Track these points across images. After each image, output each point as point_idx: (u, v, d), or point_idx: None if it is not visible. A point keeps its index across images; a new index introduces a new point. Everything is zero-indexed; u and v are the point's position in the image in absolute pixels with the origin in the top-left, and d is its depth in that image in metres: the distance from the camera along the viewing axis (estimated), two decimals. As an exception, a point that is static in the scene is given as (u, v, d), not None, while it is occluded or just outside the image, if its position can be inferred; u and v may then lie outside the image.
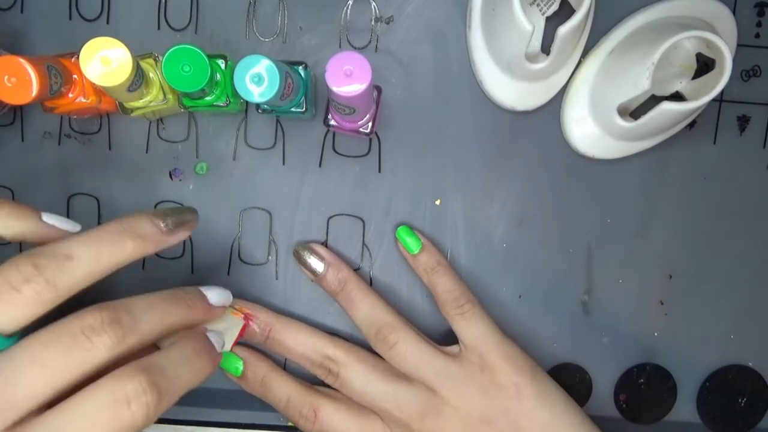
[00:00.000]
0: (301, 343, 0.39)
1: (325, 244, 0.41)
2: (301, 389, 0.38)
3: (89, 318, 0.26)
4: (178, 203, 0.41)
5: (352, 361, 0.38)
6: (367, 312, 0.38)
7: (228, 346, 0.38)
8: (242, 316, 0.38)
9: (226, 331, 0.36)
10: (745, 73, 0.41)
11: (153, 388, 0.26)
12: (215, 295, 0.34)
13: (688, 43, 0.38)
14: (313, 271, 0.40)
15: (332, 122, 0.37)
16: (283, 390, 0.38)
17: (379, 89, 0.37)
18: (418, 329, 0.39)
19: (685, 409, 0.43)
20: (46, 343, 0.26)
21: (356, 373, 0.38)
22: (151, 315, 0.29)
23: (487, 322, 0.38)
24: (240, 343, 0.40)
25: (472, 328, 0.38)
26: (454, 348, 0.39)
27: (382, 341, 0.38)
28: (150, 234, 0.30)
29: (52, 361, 0.25)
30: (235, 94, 0.34)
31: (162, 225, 0.30)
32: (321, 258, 0.40)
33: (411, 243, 0.39)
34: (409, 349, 0.37)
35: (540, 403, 0.37)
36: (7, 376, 0.25)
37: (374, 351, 0.39)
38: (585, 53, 0.40)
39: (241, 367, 0.39)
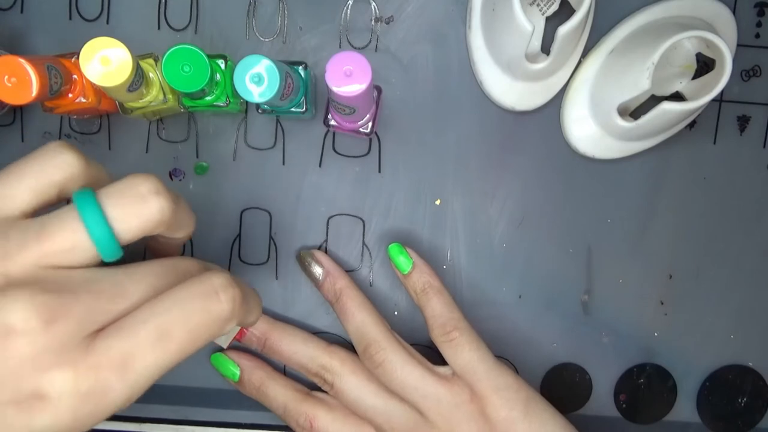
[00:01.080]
0: (297, 352, 0.39)
1: (325, 244, 0.41)
2: (297, 397, 0.38)
3: (219, 278, 0.27)
4: (178, 203, 0.41)
5: (346, 373, 0.38)
6: (357, 327, 0.38)
7: (225, 345, 0.39)
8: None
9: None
10: (745, 73, 0.41)
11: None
12: None
13: (688, 43, 0.38)
14: (313, 278, 0.40)
15: (332, 122, 0.37)
16: (280, 398, 0.39)
17: (379, 89, 0.37)
18: (410, 345, 0.38)
19: (685, 409, 0.43)
20: (189, 297, 0.26)
21: (350, 385, 0.37)
22: (250, 299, 0.30)
23: (476, 349, 0.37)
24: (238, 347, 0.40)
25: (458, 356, 0.36)
26: (447, 369, 0.37)
27: (369, 359, 0.37)
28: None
29: (192, 314, 0.26)
30: (235, 94, 0.34)
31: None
32: (321, 266, 0.40)
33: (402, 262, 0.38)
34: (396, 370, 0.36)
35: None
36: (160, 324, 0.25)
37: None
38: (585, 53, 0.40)
39: (238, 373, 0.39)
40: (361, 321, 0.38)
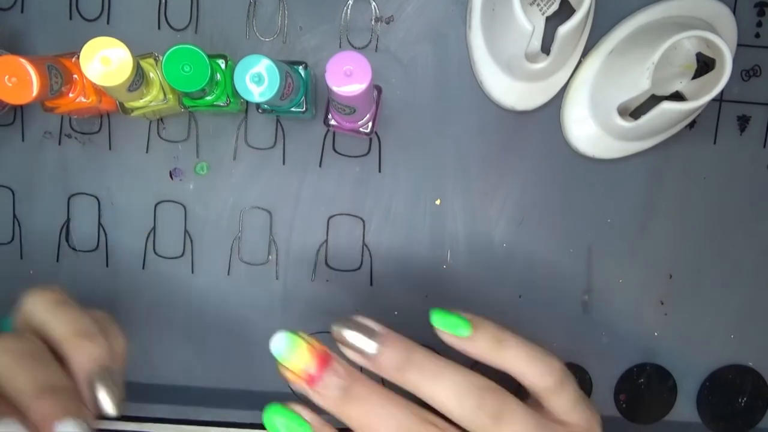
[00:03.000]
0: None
1: (325, 244, 0.41)
2: None
3: None
4: (179, 203, 0.41)
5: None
6: (457, 380, 0.29)
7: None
8: None
9: None
10: (745, 73, 0.41)
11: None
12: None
13: (688, 43, 0.38)
14: (361, 352, 0.29)
15: (332, 122, 0.37)
16: None
17: (379, 89, 0.37)
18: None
19: (685, 409, 0.43)
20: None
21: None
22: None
23: (579, 391, 0.32)
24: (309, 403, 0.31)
25: (577, 407, 0.31)
26: (560, 412, 0.32)
27: (490, 413, 0.29)
28: None
29: None
30: (236, 94, 0.34)
31: None
32: (372, 333, 0.29)
33: (457, 324, 0.31)
34: (525, 422, 0.29)
35: None
36: None
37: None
38: (585, 53, 0.40)
39: None
40: (455, 371, 0.30)
